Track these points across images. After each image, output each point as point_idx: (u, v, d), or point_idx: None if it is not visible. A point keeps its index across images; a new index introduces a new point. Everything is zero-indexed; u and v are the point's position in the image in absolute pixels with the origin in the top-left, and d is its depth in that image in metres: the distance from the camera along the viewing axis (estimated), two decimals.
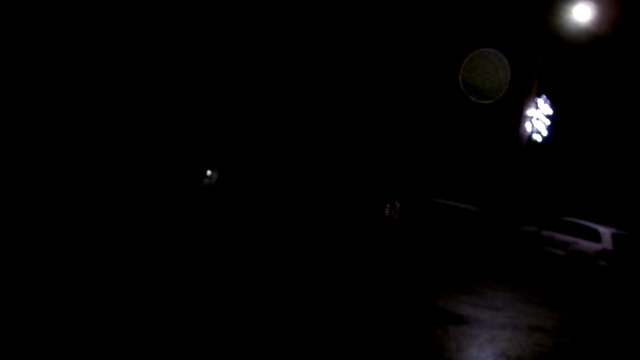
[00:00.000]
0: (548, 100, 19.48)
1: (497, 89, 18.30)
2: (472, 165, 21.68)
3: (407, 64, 19.94)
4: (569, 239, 15.41)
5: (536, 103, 19.49)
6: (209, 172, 14.08)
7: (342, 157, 16.45)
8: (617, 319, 10.35)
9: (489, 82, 18.44)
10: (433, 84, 20.77)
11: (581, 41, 19.45)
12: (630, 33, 20.14)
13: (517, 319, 8.58)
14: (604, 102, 21.63)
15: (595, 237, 14.83)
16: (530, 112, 19.56)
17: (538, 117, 19.44)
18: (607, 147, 21.88)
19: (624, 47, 20.59)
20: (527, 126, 19.54)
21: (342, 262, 10.55)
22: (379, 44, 19.25)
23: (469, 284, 10.74)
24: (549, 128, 19.61)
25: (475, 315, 8.33)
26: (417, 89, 20.22)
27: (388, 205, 16.18)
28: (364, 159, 17.45)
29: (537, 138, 19.51)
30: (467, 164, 21.57)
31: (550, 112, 19.51)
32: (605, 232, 14.85)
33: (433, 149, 21.10)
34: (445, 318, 7.89)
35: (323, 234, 13.72)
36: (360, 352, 5.89)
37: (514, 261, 15.92)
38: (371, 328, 6.75)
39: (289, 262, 9.61)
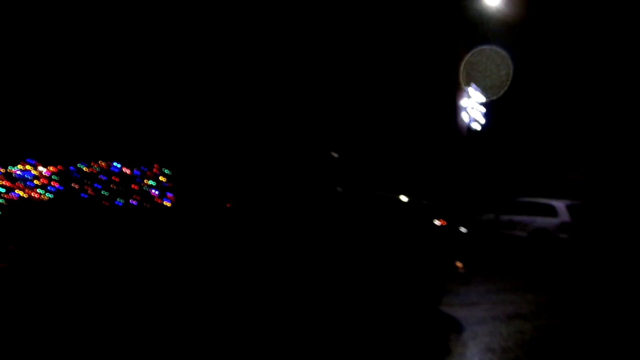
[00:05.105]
0: (478, 88, 19.72)
1: (499, 86, 18.46)
2: (422, 164, 21.73)
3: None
4: (527, 219, 15.52)
5: (467, 92, 19.73)
6: None
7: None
8: (588, 291, 10.37)
9: (491, 79, 18.60)
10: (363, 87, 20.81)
11: (496, 26, 19.86)
12: (540, 14, 20.74)
13: (494, 310, 8.44)
14: (529, 81, 22.11)
15: (552, 212, 14.97)
16: (463, 102, 19.77)
17: (473, 106, 19.67)
18: (543, 121, 22.34)
19: (537, 26, 21.17)
20: (464, 116, 19.72)
21: None
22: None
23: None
24: (486, 115, 19.84)
25: (454, 314, 8.16)
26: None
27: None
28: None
29: (476, 126, 19.70)
30: (417, 164, 21.59)
31: (483, 99, 19.76)
32: (560, 205, 15.01)
33: (384, 153, 21.02)
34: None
35: None
36: None
37: (479, 251, 15.89)
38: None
39: None
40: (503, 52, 19.20)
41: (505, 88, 19.30)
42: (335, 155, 8.00)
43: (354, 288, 7.49)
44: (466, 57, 19.80)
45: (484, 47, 19.74)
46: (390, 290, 7.64)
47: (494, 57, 19.76)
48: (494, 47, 19.50)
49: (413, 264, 7.77)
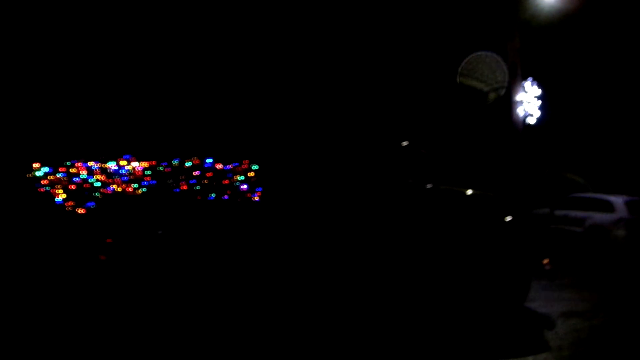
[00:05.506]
0: (535, 82, 19.75)
1: (494, 91, 18.62)
2: (475, 158, 21.93)
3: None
4: (583, 214, 15.69)
5: (523, 87, 19.78)
6: None
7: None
8: None
9: (487, 84, 18.77)
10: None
11: (552, 18, 19.81)
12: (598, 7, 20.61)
13: (548, 307, 8.79)
14: (585, 74, 22.00)
15: (609, 207, 15.11)
16: (519, 96, 19.85)
17: (528, 101, 19.71)
18: (600, 115, 22.22)
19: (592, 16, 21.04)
20: (520, 111, 19.81)
21: None
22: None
23: None
24: (541, 108, 19.86)
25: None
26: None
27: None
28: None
29: (531, 121, 19.77)
30: (472, 158, 21.79)
31: (538, 93, 19.79)
32: (617, 201, 15.13)
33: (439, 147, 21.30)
34: None
35: None
36: None
37: (533, 245, 16.09)
38: None
39: None
40: (498, 57, 19.11)
41: (501, 93, 19.26)
42: (424, 151, 8.34)
43: (457, 285, 7.79)
44: (462, 64, 19.79)
45: (479, 53, 19.64)
46: (478, 287, 7.91)
47: (489, 62, 19.68)
48: (489, 53, 19.40)
49: (500, 261, 8.04)
